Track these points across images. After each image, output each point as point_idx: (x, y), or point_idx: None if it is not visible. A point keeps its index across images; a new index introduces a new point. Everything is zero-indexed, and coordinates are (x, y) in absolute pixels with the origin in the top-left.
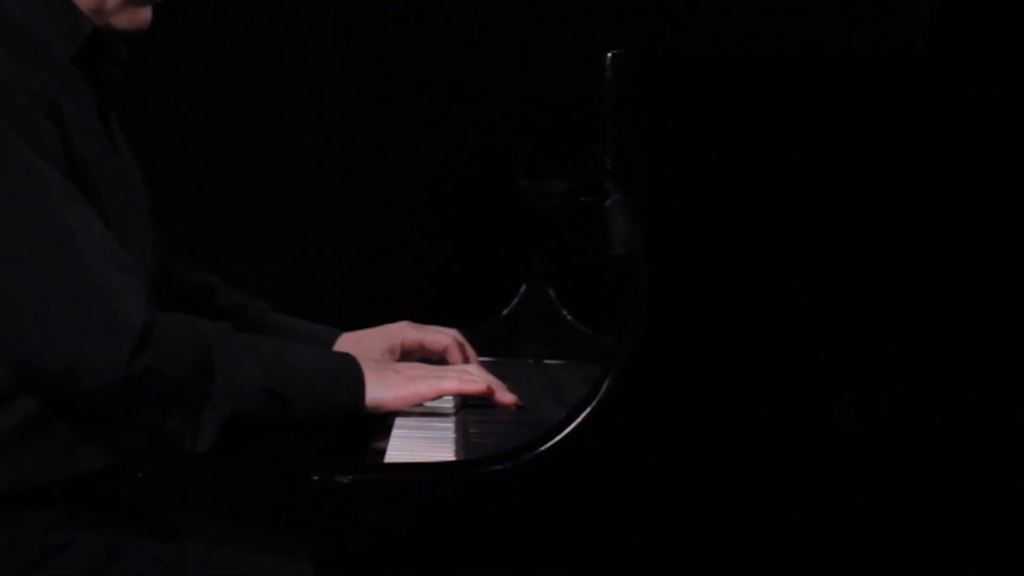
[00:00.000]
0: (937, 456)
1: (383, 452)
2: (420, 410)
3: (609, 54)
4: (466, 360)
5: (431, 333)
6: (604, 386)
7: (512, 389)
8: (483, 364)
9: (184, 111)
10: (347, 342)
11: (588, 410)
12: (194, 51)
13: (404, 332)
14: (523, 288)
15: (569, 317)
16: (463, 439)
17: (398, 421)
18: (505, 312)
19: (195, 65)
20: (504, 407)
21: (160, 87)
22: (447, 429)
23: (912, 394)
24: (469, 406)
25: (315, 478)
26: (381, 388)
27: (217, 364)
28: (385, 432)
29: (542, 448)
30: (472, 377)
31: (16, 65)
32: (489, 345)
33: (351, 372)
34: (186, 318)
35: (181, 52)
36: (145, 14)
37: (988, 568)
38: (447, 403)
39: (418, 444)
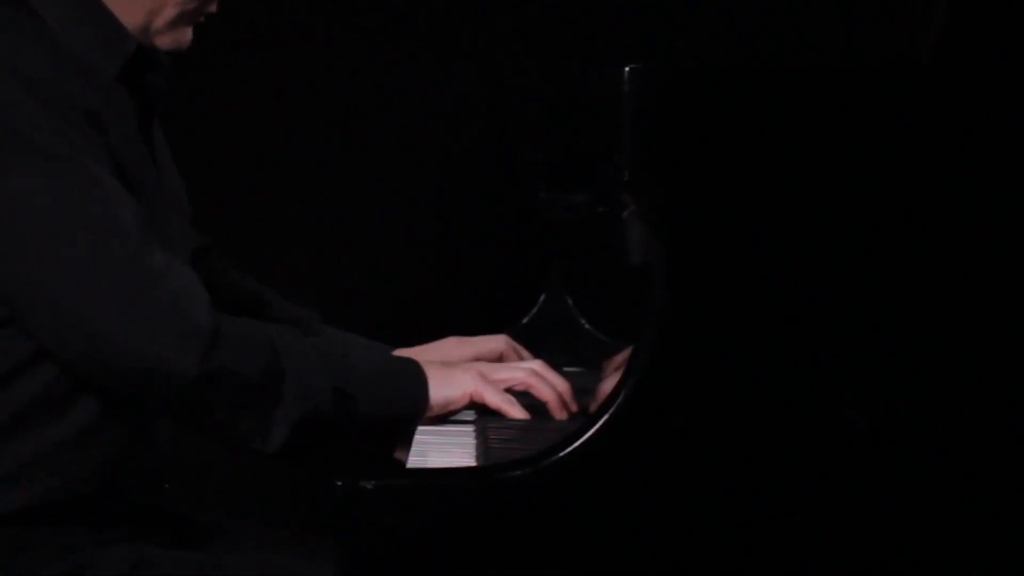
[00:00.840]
0: (953, 462)
1: (405, 459)
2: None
3: (626, 68)
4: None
5: (482, 345)
6: (622, 394)
7: (527, 398)
8: None
9: (215, 122)
10: None
11: (606, 417)
12: (229, 63)
13: (456, 350)
14: (542, 297)
15: (587, 326)
16: (483, 446)
17: (420, 428)
18: (525, 321)
19: (228, 77)
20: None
21: (194, 98)
22: (467, 435)
23: (925, 401)
24: (488, 412)
25: (339, 483)
26: (448, 387)
27: (286, 365)
28: (407, 440)
29: (561, 454)
30: (544, 383)
31: (57, 74)
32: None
33: (414, 371)
34: (252, 321)
35: (217, 63)
36: (188, 34)
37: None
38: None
39: (439, 451)
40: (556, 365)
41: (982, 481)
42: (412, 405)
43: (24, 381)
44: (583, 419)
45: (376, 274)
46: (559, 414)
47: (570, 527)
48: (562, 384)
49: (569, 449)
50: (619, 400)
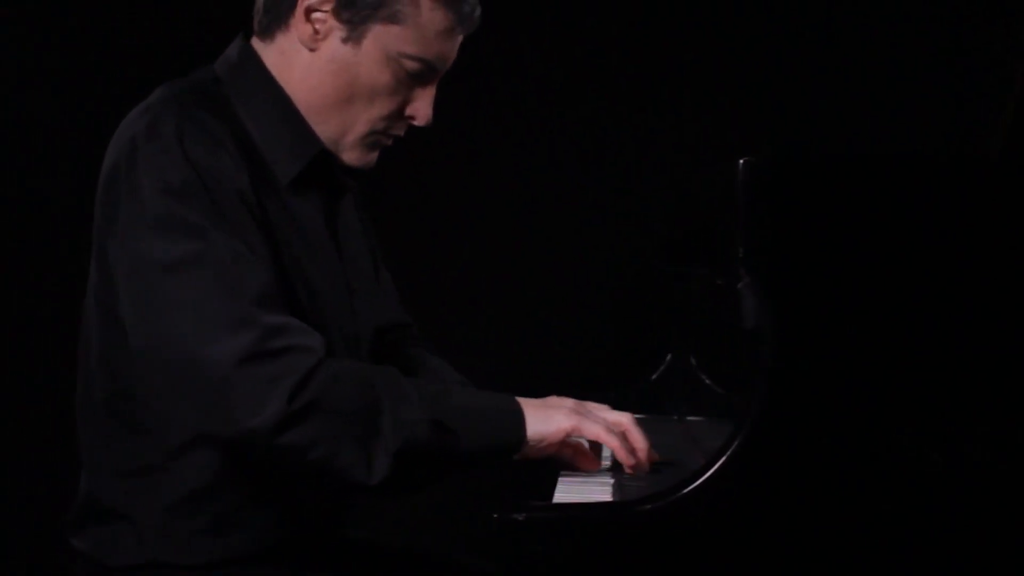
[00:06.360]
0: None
1: (551, 495)
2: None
3: (740, 160)
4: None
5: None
6: (736, 439)
7: (659, 441)
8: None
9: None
10: None
11: (723, 459)
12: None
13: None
14: (669, 356)
15: (707, 380)
16: (618, 483)
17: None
18: (654, 376)
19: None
20: (630, 468)
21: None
22: (604, 474)
23: (989, 443)
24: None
25: (495, 515)
26: (542, 422)
27: (384, 400)
28: (552, 479)
29: (684, 491)
30: (614, 437)
31: (231, 168)
32: (640, 403)
33: (511, 407)
34: (356, 363)
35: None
36: (373, 157)
37: None
38: (605, 460)
39: (580, 487)
40: (680, 414)
41: None
42: (510, 439)
43: (213, 441)
44: (704, 461)
45: (533, 334)
46: (627, 466)
47: (692, 552)
48: (641, 443)
49: (692, 486)
50: (734, 445)
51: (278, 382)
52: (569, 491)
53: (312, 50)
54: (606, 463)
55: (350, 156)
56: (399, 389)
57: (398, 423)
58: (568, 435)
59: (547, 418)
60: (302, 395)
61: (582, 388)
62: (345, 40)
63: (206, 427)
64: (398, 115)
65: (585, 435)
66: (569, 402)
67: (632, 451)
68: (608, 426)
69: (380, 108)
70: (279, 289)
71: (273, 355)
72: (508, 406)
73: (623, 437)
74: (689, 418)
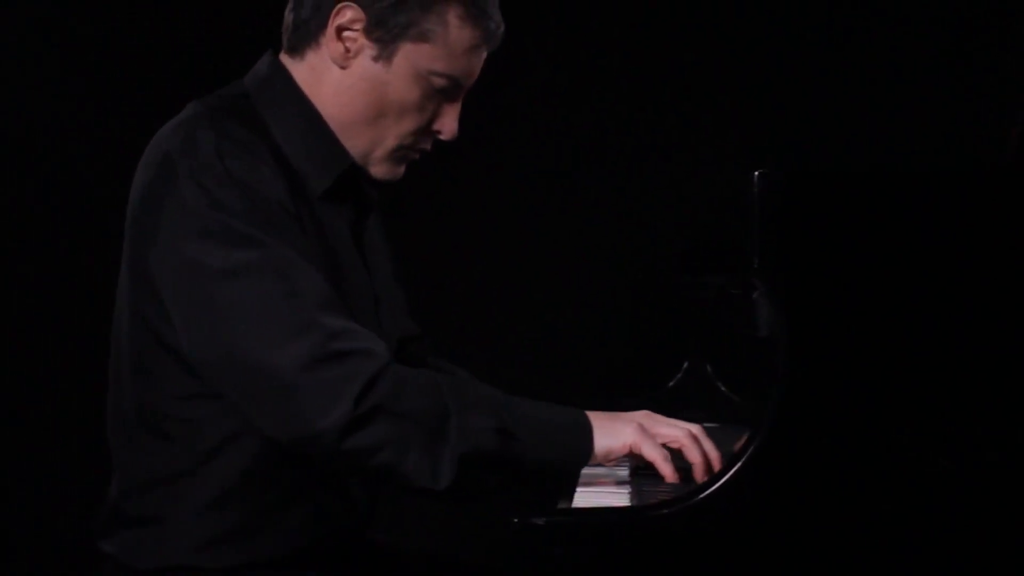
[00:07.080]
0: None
1: (570, 499)
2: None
3: (755, 172)
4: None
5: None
6: (752, 446)
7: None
8: None
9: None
10: None
11: (738, 466)
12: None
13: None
14: (685, 364)
15: (723, 388)
16: (636, 489)
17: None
18: (671, 384)
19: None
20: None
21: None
22: (623, 479)
23: (999, 450)
24: (641, 473)
25: (515, 520)
26: (610, 437)
27: (451, 406)
28: (571, 488)
29: (700, 496)
30: (696, 446)
31: (269, 181)
32: (657, 411)
33: (580, 420)
34: (422, 369)
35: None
36: (400, 170)
37: None
38: (623, 469)
39: (599, 492)
40: (697, 421)
41: None
42: (577, 451)
43: (240, 447)
44: (720, 467)
45: (550, 343)
46: (700, 478)
47: (709, 557)
48: (714, 452)
49: (708, 492)
50: (749, 451)
51: (344, 386)
52: (588, 496)
53: (343, 68)
54: (624, 469)
55: (379, 170)
56: (466, 396)
57: (464, 429)
58: (631, 450)
59: (615, 432)
60: (368, 399)
61: (600, 396)
62: (376, 58)
63: (271, 431)
64: (425, 130)
65: (644, 456)
66: (638, 415)
67: (686, 471)
68: (667, 452)
69: (409, 123)
70: (335, 294)
71: (338, 358)
72: (576, 419)
73: (691, 450)
74: (705, 425)
